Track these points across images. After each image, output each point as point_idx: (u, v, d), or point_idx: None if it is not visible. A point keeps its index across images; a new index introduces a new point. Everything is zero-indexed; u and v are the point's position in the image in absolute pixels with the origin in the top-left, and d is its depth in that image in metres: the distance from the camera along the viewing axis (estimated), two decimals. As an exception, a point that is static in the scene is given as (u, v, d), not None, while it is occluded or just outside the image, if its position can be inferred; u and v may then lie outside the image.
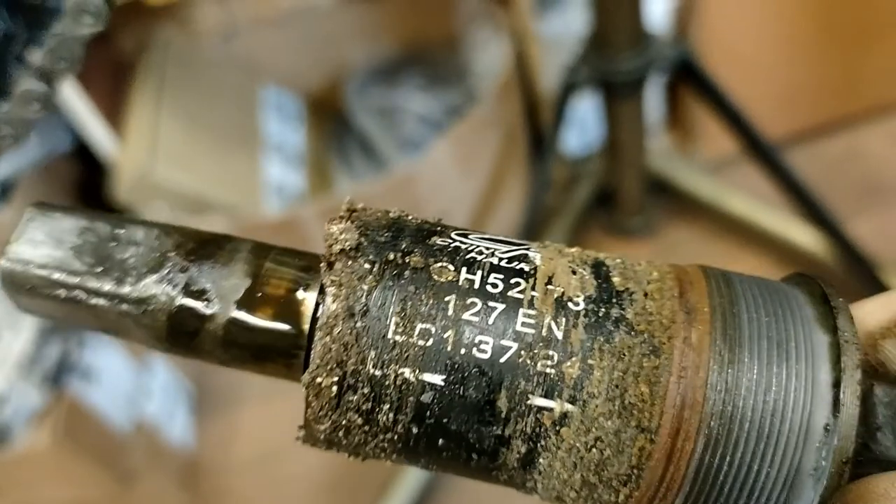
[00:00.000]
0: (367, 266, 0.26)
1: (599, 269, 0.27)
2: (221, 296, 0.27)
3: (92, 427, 1.22)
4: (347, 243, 0.27)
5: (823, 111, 1.58)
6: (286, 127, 1.60)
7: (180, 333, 0.28)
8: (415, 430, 0.26)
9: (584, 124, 1.58)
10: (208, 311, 0.27)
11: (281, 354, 0.28)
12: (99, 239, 0.28)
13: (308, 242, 1.15)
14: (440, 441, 0.26)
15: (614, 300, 0.26)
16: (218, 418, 1.53)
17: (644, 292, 0.27)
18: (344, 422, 0.26)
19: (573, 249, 0.29)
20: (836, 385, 0.25)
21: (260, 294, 0.27)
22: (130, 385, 1.35)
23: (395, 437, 0.26)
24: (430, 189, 1.34)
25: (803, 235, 1.38)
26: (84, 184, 1.53)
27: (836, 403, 0.25)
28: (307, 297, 0.27)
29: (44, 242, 0.28)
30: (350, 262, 0.26)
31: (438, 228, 0.29)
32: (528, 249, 0.28)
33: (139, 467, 1.30)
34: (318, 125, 1.69)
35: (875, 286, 1.28)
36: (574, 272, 0.27)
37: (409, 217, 0.29)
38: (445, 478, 1.31)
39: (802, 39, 1.47)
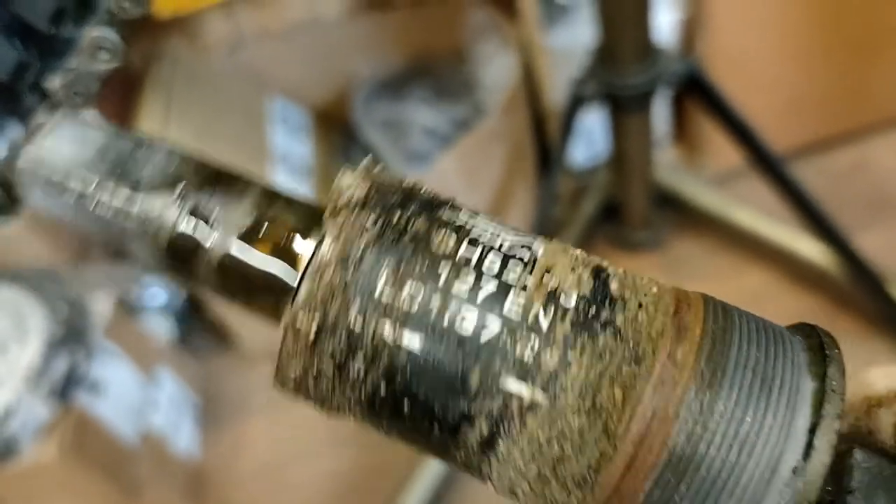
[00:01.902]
0: (369, 222, 0.27)
1: (599, 273, 0.28)
2: (224, 227, 0.28)
3: (99, 440, 1.22)
4: (355, 196, 0.27)
5: (830, 124, 1.57)
6: (293, 139, 1.60)
7: (178, 256, 0.28)
8: (382, 390, 0.26)
9: (590, 137, 1.58)
10: (208, 239, 0.28)
11: (271, 293, 0.28)
12: (119, 153, 0.29)
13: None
14: (405, 406, 0.26)
15: (607, 304, 0.27)
16: (224, 430, 1.53)
17: (639, 303, 0.27)
18: (315, 368, 0.26)
19: (578, 251, 0.29)
20: (813, 430, 0.25)
21: (261, 233, 0.28)
22: (137, 397, 1.35)
23: (362, 394, 0.26)
24: (436, 202, 1.34)
25: (810, 248, 1.37)
26: (92, 196, 1.53)
27: (808, 448, 0.25)
28: (306, 243, 0.28)
29: (67, 144, 0.29)
30: (353, 215, 0.27)
31: (449, 204, 0.29)
32: (533, 240, 0.28)
33: (145, 479, 1.30)
34: (325, 138, 1.69)
35: (882, 300, 1.28)
36: (573, 269, 0.27)
37: (423, 189, 0.29)
38: (456, 490, 1.31)
39: (809, 52, 1.47)
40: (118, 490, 1.23)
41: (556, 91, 1.49)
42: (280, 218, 0.28)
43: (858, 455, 0.26)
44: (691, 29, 1.45)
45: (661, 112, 1.56)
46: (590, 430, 0.25)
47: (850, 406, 0.29)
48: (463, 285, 0.26)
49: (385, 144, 1.57)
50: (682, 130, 1.62)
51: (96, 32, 0.30)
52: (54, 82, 0.28)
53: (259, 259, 0.28)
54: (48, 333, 1.19)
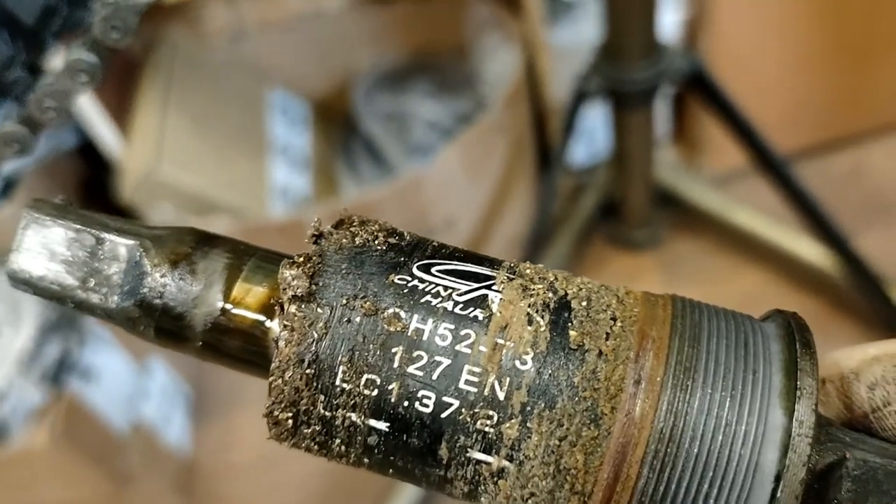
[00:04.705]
0: (318, 311, 0.28)
1: (560, 317, 0.27)
2: (195, 321, 0.29)
3: (90, 427, 1.21)
4: (299, 290, 0.28)
5: (829, 127, 1.58)
6: (292, 130, 1.59)
7: (165, 340, 0.30)
8: (366, 461, 0.28)
9: (591, 135, 1.58)
10: (186, 333, 0.30)
11: (254, 367, 0.30)
12: (85, 252, 0.30)
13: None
14: (390, 470, 0.28)
15: (564, 360, 0.27)
16: (215, 422, 1.51)
17: (599, 350, 0.27)
18: (303, 445, 0.29)
19: (541, 285, 0.28)
20: (789, 423, 0.25)
21: (231, 323, 0.29)
22: (129, 386, 1.34)
23: (351, 462, 0.29)
24: (437, 195, 1.34)
25: (810, 250, 1.37)
26: (89, 182, 1.52)
27: (787, 440, 0.25)
28: (273, 327, 0.29)
29: (39, 253, 0.30)
30: (303, 306, 0.28)
31: (402, 260, 0.29)
32: (490, 287, 0.28)
33: (135, 469, 1.28)
34: (325, 129, 1.69)
35: (881, 302, 1.28)
36: (530, 322, 0.27)
37: (377, 242, 0.29)
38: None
39: (810, 55, 1.48)
40: (108, 479, 1.22)
41: (557, 88, 1.49)
42: (244, 301, 0.29)
43: (851, 463, 0.26)
44: (693, 29, 1.46)
45: (661, 111, 1.56)
46: (559, 490, 0.26)
47: (826, 391, 0.30)
48: (416, 365, 0.27)
49: (386, 137, 1.57)
50: (682, 130, 1.63)
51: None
52: (92, 17, 0.27)
53: (233, 347, 0.30)
54: (42, 318, 1.18)
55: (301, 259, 0.28)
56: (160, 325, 0.30)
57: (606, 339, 0.27)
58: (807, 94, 1.53)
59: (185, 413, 1.49)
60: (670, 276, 1.52)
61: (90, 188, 1.51)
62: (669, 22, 1.44)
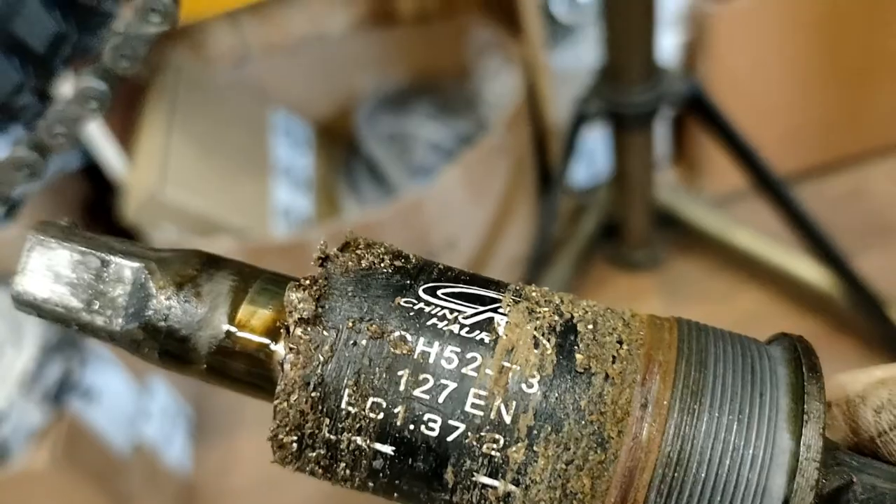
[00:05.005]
0: (324, 334, 0.28)
1: (566, 340, 0.27)
2: (200, 344, 0.29)
3: (91, 448, 1.21)
4: (305, 313, 0.28)
5: (828, 149, 1.59)
6: (295, 152, 1.61)
7: (170, 363, 0.30)
8: (371, 485, 0.28)
9: (592, 156, 1.59)
10: (190, 356, 0.30)
11: (259, 390, 0.30)
12: (90, 274, 0.30)
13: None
14: (395, 494, 0.28)
15: (571, 384, 0.27)
16: (216, 443, 1.51)
17: (605, 374, 0.27)
18: (307, 469, 0.28)
19: (547, 308, 0.29)
20: (797, 446, 0.25)
21: (236, 346, 0.29)
22: (131, 407, 1.34)
23: (355, 486, 0.28)
24: (438, 215, 1.35)
25: (808, 271, 1.38)
26: (93, 203, 1.53)
27: (795, 465, 0.25)
28: (278, 350, 0.29)
29: (44, 276, 0.30)
30: (309, 329, 0.28)
31: (408, 282, 0.29)
32: (496, 310, 0.28)
33: (136, 490, 1.28)
34: (327, 151, 1.70)
35: (881, 323, 1.28)
36: (537, 345, 0.27)
37: (383, 264, 0.29)
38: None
39: (808, 77, 1.49)
40: (109, 500, 1.21)
41: (558, 110, 1.50)
42: (250, 324, 0.29)
43: (858, 488, 0.26)
44: (692, 52, 1.47)
45: (661, 133, 1.57)
46: None
47: (832, 415, 0.30)
48: (423, 388, 0.27)
49: (388, 158, 1.58)
50: (681, 152, 1.64)
51: (145, -6, 0.30)
52: (102, 44, 0.28)
53: (238, 370, 0.30)
54: (43, 338, 1.18)
55: (307, 282, 0.28)
56: (164, 347, 0.30)
57: (613, 362, 0.27)
58: (805, 115, 1.54)
59: (185, 434, 1.49)
60: (670, 297, 1.52)
61: (94, 209, 1.52)
62: (668, 45, 1.45)
